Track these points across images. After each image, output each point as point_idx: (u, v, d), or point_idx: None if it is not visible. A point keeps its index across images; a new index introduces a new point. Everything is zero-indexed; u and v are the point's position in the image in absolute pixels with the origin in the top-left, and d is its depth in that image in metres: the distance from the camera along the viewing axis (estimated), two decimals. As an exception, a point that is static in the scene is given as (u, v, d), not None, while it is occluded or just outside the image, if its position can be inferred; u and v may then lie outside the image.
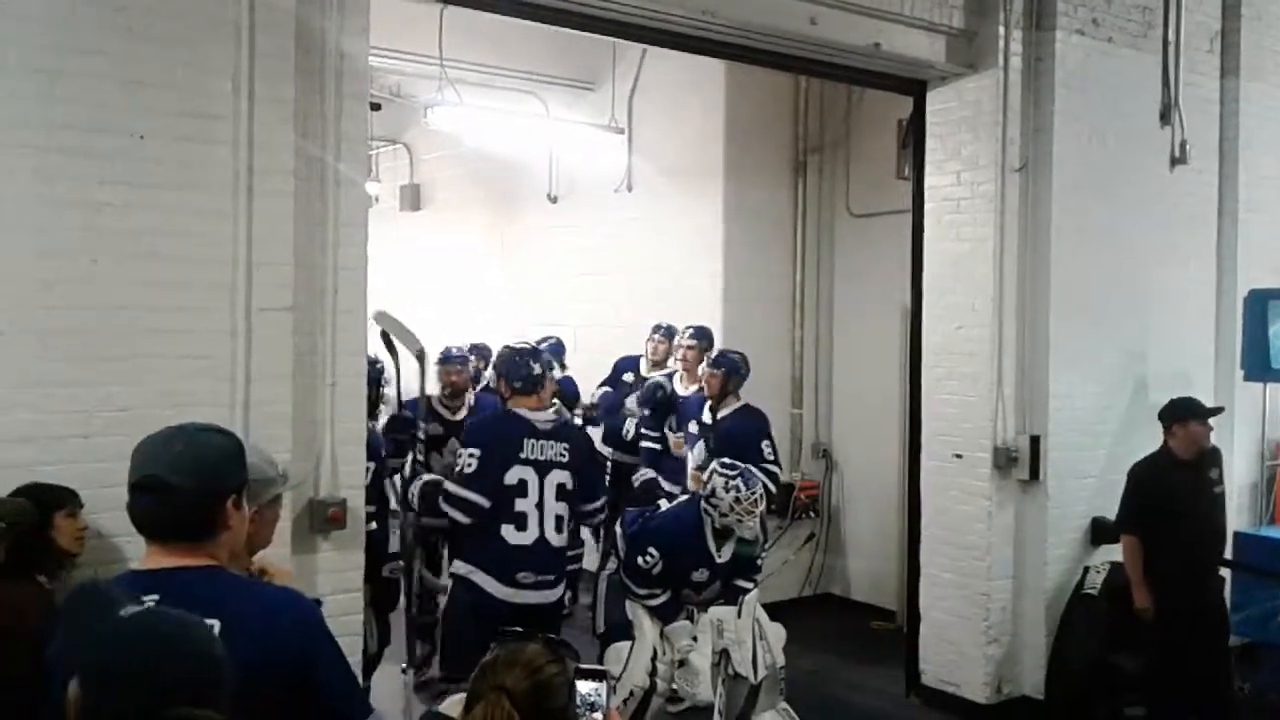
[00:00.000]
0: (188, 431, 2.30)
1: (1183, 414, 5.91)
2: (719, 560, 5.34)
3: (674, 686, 5.35)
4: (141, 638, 1.77)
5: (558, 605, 5.15)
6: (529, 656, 2.00)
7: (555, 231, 9.65)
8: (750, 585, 5.52)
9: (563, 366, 7.95)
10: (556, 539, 4.99)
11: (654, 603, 5.36)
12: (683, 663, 5.31)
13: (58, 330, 3.87)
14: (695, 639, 5.35)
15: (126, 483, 2.22)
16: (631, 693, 5.16)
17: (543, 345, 6.78)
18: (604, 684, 2.05)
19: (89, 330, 3.92)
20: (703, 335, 7.42)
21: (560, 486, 4.99)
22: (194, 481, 2.19)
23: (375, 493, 5.72)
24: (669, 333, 7.82)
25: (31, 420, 3.81)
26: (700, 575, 5.36)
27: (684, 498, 5.79)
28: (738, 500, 5.19)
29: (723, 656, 5.36)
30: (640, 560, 5.32)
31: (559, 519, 4.99)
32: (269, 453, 2.93)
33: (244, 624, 2.11)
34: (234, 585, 2.26)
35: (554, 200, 9.66)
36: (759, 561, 5.66)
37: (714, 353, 7.18)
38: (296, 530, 4.34)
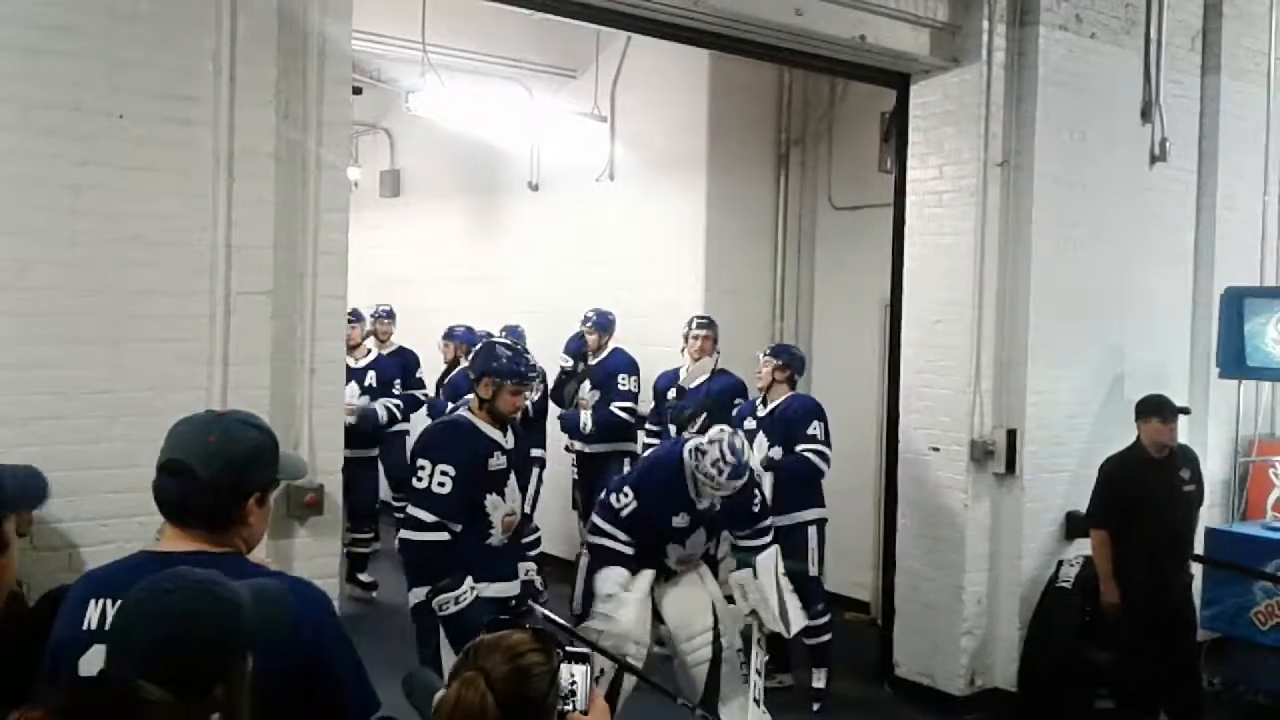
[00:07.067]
0: (225, 422, 2.35)
1: (1147, 412, 5.99)
2: (700, 507, 5.32)
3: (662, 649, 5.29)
4: (158, 593, 1.84)
5: None
6: (512, 642, 2.00)
7: (536, 220, 9.62)
8: (758, 543, 5.49)
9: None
10: None
11: (614, 546, 5.30)
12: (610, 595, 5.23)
13: (35, 312, 3.83)
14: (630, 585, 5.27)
15: (155, 462, 2.27)
16: (603, 671, 5.14)
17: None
18: (585, 667, 2.04)
19: (67, 312, 3.88)
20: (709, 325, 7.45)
21: None
22: (220, 475, 2.24)
23: None
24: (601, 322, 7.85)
25: (8, 401, 3.77)
26: (681, 520, 5.32)
27: (668, 440, 5.73)
28: (713, 477, 5.19)
29: (753, 617, 5.35)
30: (614, 498, 5.33)
31: None
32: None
33: None
34: (250, 572, 2.24)
35: (535, 188, 9.62)
36: (755, 509, 5.55)
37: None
38: (273, 516, 4.30)
